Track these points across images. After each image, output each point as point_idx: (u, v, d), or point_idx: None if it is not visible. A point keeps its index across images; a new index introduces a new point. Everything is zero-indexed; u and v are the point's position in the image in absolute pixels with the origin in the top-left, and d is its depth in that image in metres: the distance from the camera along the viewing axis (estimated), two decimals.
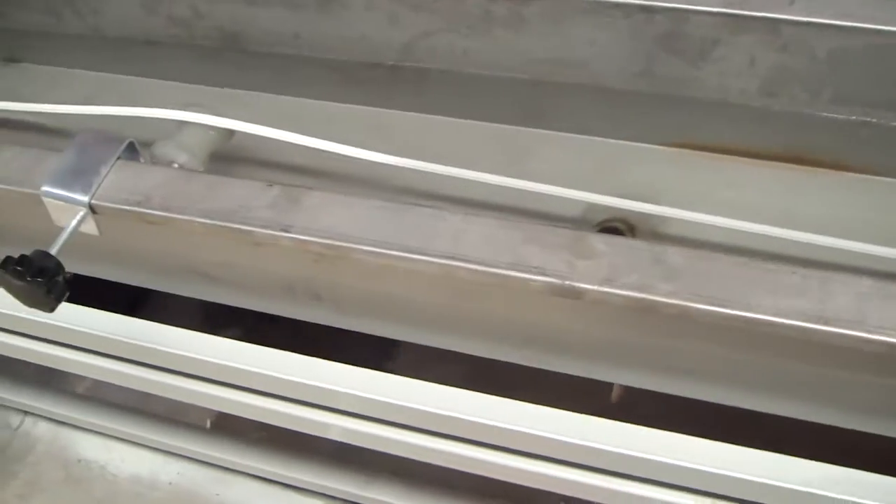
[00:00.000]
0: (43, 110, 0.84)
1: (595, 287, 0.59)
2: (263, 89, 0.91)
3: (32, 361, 0.98)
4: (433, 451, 0.84)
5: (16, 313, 0.90)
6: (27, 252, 0.65)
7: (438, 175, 0.76)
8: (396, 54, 0.83)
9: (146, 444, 1.49)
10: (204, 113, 0.81)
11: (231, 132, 0.83)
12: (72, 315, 0.89)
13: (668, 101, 0.79)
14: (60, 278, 0.68)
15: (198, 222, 0.67)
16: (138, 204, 0.69)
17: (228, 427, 1.52)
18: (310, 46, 0.86)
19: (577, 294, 0.59)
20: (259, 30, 0.86)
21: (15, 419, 1.58)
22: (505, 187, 0.76)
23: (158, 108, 0.82)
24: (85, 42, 0.95)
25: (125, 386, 0.97)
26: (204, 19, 0.87)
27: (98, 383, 1.58)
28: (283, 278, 0.78)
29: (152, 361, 0.88)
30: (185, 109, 0.82)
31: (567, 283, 0.59)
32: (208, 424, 1.54)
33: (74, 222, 0.71)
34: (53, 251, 0.70)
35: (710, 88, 0.77)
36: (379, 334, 0.80)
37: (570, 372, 0.75)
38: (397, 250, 0.62)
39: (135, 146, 0.74)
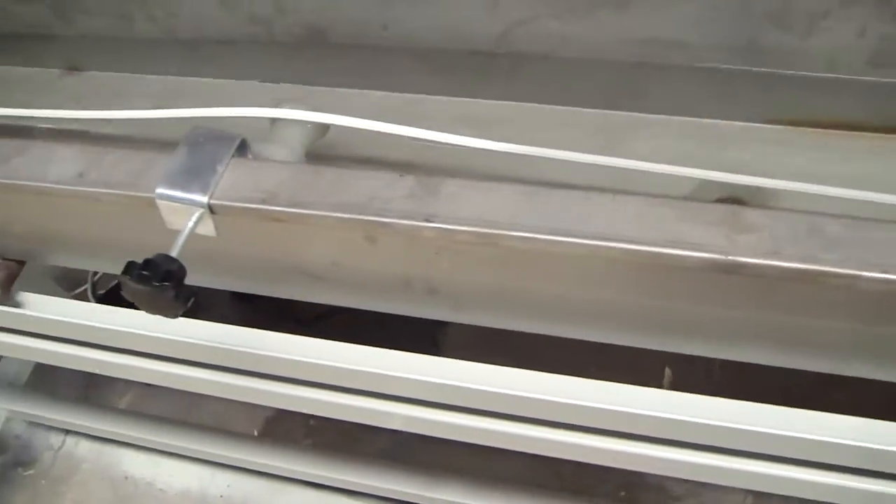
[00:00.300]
0: (130, 117, 0.82)
1: (760, 261, 0.58)
2: (348, 84, 0.89)
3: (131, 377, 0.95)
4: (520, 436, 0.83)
5: (109, 326, 0.87)
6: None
7: (541, 161, 0.74)
8: (492, 42, 0.82)
9: (194, 456, 1.46)
10: (300, 108, 0.80)
11: (326, 127, 0.81)
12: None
13: (771, 78, 0.78)
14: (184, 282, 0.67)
15: (332, 217, 0.65)
16: (263, 201, 0.67)
17: (277, 434, 1.50)
18: (398, 37, 0.85)
19: (739, 268, 0.59)
20: (345, 22, 0.85)
21: (56, 439, 1.54)
22: (607, 168, 0.75)
23: (251, 106, 0.80)
24: (155, 46, 0.93)
25: (212, 394, 0.94)
26: (287, 15, 0.86)
27: (140, 397, 1.56)
28: (400, 274, 0.76)
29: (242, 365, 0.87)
30: (278, 106, 0.80)
31: (729, 257, 0.59)
32: (256, 432, 1.51)
33: (191, 224, 0.69)
34: (174, 254, 0.68)
35: (816, 63, 0.77)
36: (496, 326, 0.78)
37: (716, 355, 0.74)
38: (550, 234, 0.61)
39: (246, 144, 0.72)
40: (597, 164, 0.76)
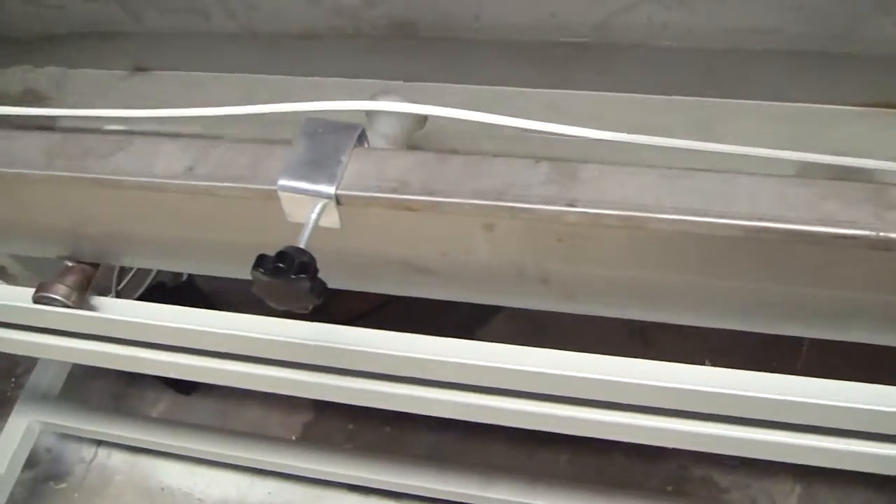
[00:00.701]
0: (230, 113, 0.80)
1: None
2: (437, 78, 0.88)
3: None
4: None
5: (195, 328, 0.85)
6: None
7: (639, 148, 0.74)
8: (587, 31, 0.82)
9: (232, 463, 1.43)
10: (397, 100, 0.79)
11: (424, 119, 0.81)
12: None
13: (870, 62, 0.79)
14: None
15: (469, 204, 0.65)
16: (394, 190, 0.67)
17: (316, 439, 1.48)
18: (490, 28, 0.84)
19: (892, 245, 0.59)
20: (436, 13, 0.84)
21: (87, 451, 1.51)
22: (706, 154, 0.75)
23: (348, 100, 0.79)
24: (232, 42, 0.92)
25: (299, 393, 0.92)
26: (375, 7, 0.85)
27: (173, 405, 1.53)
28: (515, 263, 0.76)
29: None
30: (374, 99, 0.80)
31: (881, 234, 0.59)
32: (294, 438, 1.49)
33: (314, 216, 0.68)
34: (301, 246, 0.67)
35: None
36: (609, 315, 0.78)
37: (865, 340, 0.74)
38: (698, 215, 0.61)
39: (365, 134, 0.71)
40: (695, 150, 0.76)
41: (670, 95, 0.84)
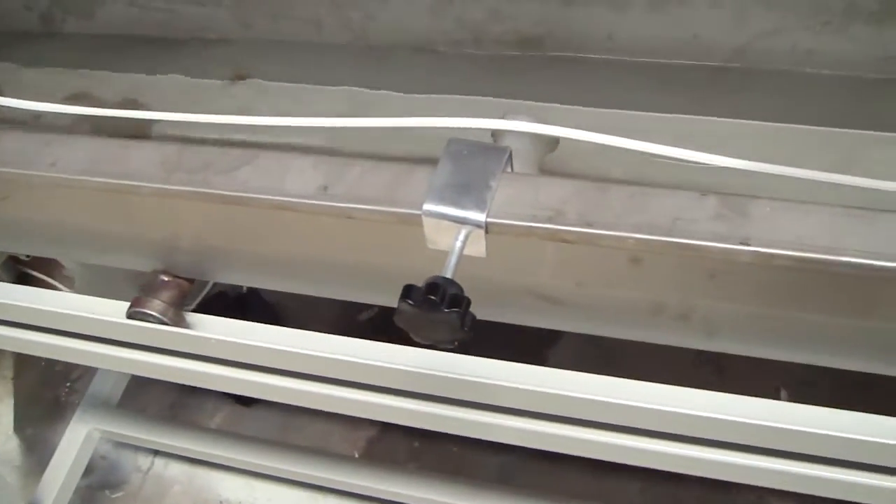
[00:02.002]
0: (345, 125, 0.76)
1: None
2: (562, 99, 0.84)
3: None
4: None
5: (302, 351, 0.82)
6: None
7: (773, 179, 0.70)
8: (726, 55, 0.78)
9: (293, 479, 1.40)
10: (530, 120, 0.75)
11: (556, 142, 0.77)
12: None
13: None
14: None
15: (633, 238, 0.61)
16: (549, 220, 0.63)
17: (379, 456, 1.44)
18: (623, 48, 0.81)
19: None
20: (566, 31, 0.80)
21: (144, 461, 1.47)
22: (842, 188, 0.71)
23: (477, 118, 0.75)
24: (341, 53, 0.88)
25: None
26: (502, 22, 0.81)
27: (231, 416, 1.49)
28: (656, 298, 0.72)
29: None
30: (504, 118, 0.76)
31: None
32: (357, 454, 1.46)
33: (459, 243, 0.64)
34: (448, 276, 0.63)
35: None
36: (749, 354, 0.74)
37: None
38: (887, 260, 0.57)
39: (511, 157, 0.68)
40: (832, 183, 0.72)
41: (811, 125, 0.80)
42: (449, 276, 0.63)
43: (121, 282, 1.46)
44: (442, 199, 0.64)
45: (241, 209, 0.70)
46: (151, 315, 0.86)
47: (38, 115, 0.98)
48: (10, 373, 1.63)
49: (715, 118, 0.82)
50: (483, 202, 0.63)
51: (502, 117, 0.77)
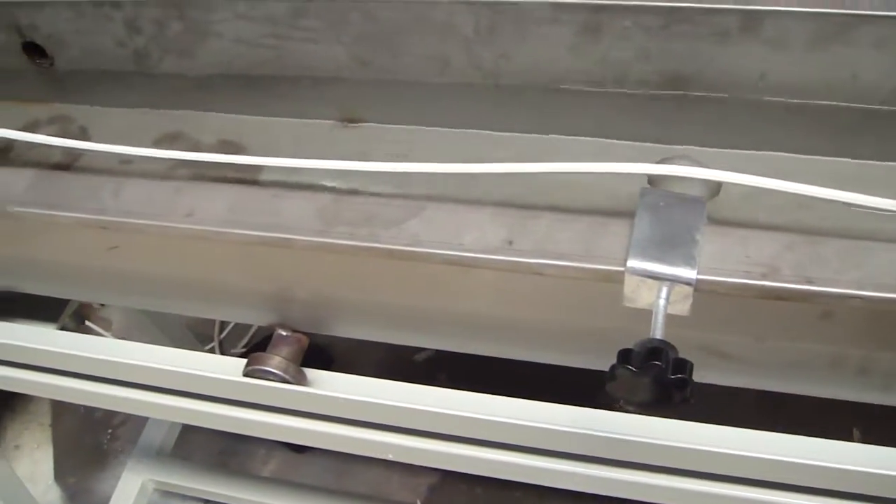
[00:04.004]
0: (482, 171, 0.72)
1: None
2: (710, 142, 0.81)
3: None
4: None
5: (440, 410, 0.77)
6: None
7: None
8: (883, 97, 0.76)
9: None
10: (690, 164, 0.72)
11: (718, 187, 0.74)
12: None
13: None
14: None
15: (859, 297, 0.58)
16: (763, 276, 0.59)
17: (441, 503, 1.39)
18: (773, 89, 0.77)
19: None
20: (717, 71, 0.77)
21: None
22: None
23: (629, 162, 0.72)
24: (464, 93, 0.84)
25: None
26: (648, 61, 0.78)
27: (284, 464, 1.43)
28: (838, 351, 0.69)
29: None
30: (663, 162, 0.73)
31: None
32: (419, 502, 1.40)
33: (663, 301, 0.61)
34: (658, 336, 0.59)
35: None
36: None
37: None
38: None
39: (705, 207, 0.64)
40: None
41: None
42: (658, 336, 0.59)
43: (157, 325, 1.40)
44: (646, 255, 0.60)
45: (408, 264, 0.66)
46: (271, 373, 0.81)
47: (126, 161, 0.93)
48: (47, 419, 1.55)
49: (869, 161, 0.79)
50: (691, 258, 0.60)
51: (660, 161, 0.74)
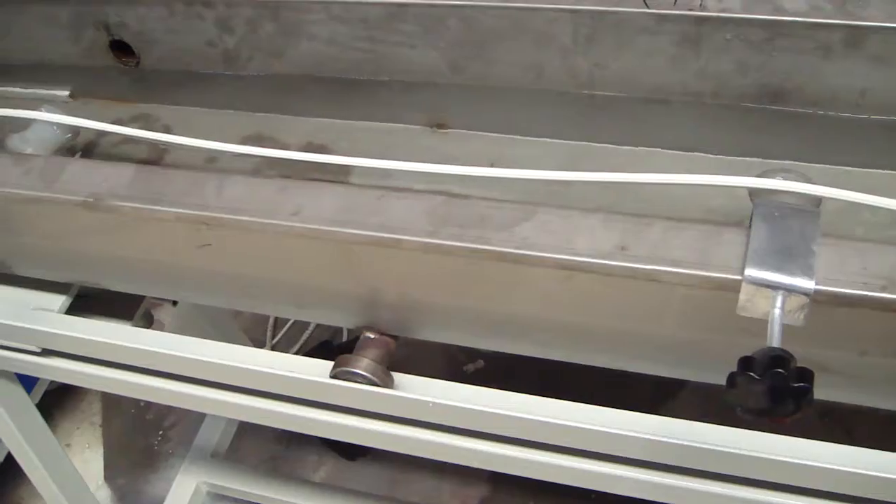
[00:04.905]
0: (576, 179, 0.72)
1: None
2: (798, 157, 0.81)
3: None
4: None
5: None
6: None
7: None
8: None
9: None
10: (795, 179, 0.72)
11: (819, 203, 0.73)
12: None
13: None
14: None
15: None
16: (883, 289, 0.59)
17: None
18: (873, 106, 0.78)
19: None
20: (818, 86, 0.77)
21: None
22: None
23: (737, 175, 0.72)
24: (557, 102, 0.85)
25: None
26: (747, 75, 0.78)
27: (336, 470, 1.43)
28: None
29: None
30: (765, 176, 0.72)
31: None
32: None
33: (778, 311, 0.61)
34: (776, 345, 0.59)
35: None
36: None
37: None
38: None
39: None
40: None
41: None
42: (776, 345, 0.59)
43: (212, 325, 1.40)
44: (764, 264, 0.60)
45: (516, 268, 0.66)
46: (360, 375, 0.81)
47: (212, 159, 0.93)
48: (98, 419, 1.56)
49: None
50: (809, 268, 0.60)
51: (762, 175, 0.74)
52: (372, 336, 0.83)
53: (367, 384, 0.81)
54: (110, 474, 1.44)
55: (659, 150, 0.85)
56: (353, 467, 1.42)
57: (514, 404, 0.77)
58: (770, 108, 0.81)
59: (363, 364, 0.81)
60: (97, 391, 1.58)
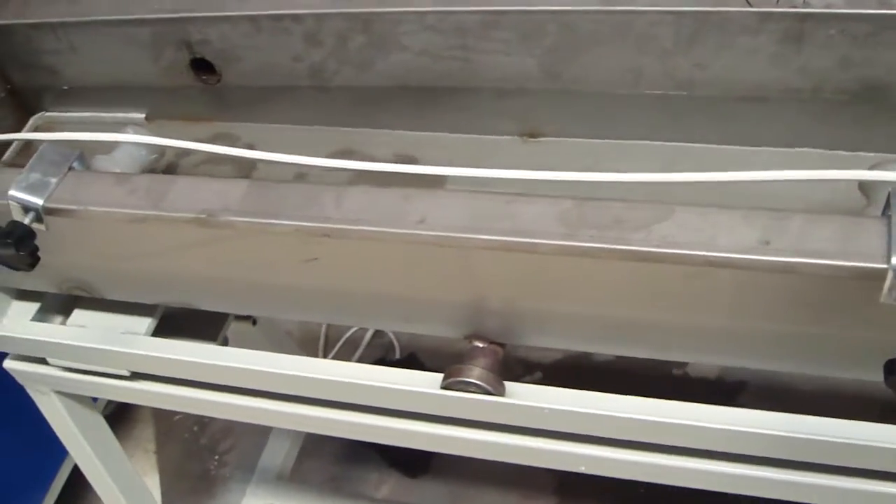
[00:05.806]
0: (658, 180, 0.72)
1: None
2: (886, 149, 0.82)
3: None
4: None
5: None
6: None
7: None
8: None
9: None
10: None
11: None
12: None
13: None
14: None
15: None
16: None
17: None
18: None
19: None
20: None
21: None
22: None
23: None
24: (651, 104, 0.85)
25: None
26: (850, 70, 0.79)
27: (397, 488, 1.42)
28: None
29: None
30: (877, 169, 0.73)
31: None
32: None
33: None
34: None
35: None
36: None
37: None
38: None
39: None
40: None
41: None
42: None
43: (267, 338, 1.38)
44: None
45: (651, 266, 0.66)
46: (474, 384, 0.80)
47: (300, 175, 0.93)
48: (152, 446, 1.54)
49: None
50: None
51: (873, 167, 0.74)
52: (481, 345, 0.82)
53: (480, 393, 0.80)
54: (168, 501, 1.42)
55: (761, 147, 0.85)
56: (415, 484, 1.41)
57: (635, 407, 0.77)
58: (870, 102, 0.82)
59: (475, 373, 0.80)
60: (149, 418, 1.56)
